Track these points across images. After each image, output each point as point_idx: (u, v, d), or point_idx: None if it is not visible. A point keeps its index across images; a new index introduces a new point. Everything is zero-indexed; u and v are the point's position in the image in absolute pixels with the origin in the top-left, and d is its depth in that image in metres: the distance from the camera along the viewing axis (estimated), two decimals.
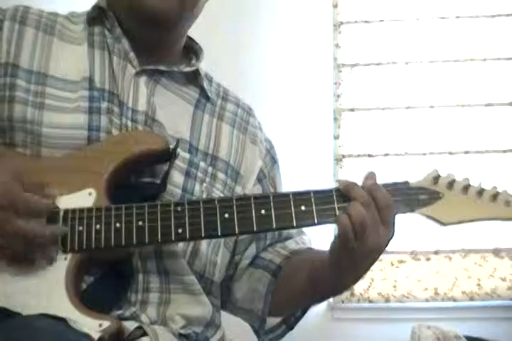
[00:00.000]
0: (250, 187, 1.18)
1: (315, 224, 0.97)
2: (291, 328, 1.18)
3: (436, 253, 3.10)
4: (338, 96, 3.29)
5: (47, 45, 1.08)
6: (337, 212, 0.96)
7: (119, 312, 0.96)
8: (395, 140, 3.20)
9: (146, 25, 1.09)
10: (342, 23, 3.35)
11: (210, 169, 1.10)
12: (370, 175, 0.99)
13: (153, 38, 1.12)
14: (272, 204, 0.96)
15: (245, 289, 1.16)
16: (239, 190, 1.15)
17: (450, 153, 3.15)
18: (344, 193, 0.97)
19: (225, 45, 3.13)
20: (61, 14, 1.15)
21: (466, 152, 3.14)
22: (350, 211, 0.94)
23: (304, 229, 1.22)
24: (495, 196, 0.98)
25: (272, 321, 1.17)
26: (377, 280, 3.09)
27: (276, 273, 1.14)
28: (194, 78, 1.16)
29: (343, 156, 3.22)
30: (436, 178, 1.00)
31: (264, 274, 1.15)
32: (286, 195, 0.98)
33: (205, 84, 1.17)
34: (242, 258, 1.17)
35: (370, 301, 3.08)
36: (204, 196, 1.07)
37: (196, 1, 1.11)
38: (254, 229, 0.96)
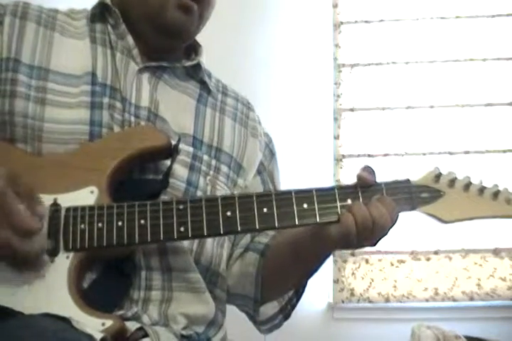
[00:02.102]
0: (250, 179, 1.19)
1: (317, 223, 0.97)
2: (288, 317, 1.18)
3: (436, 253, 3.10)
4: (338, 96, 3.29)
5: (48, 40, 1.07)
6: (339, 211, 0.96)
7: (121, 312, 0.95)
8: (394, 140, 3.21)
9: (164, 35, 1.11)
10: (342, 23, 3.36)
11: (213, 162, 1.11)
12: (366, 170, 0.99)
13: (167, 44, 1.14)
14: (274, 202, 0.96)
15: (237, 274, 1.16)
16: (241, 183, 1.15)
17: (450, 153, 3.15)
18: (349, 190, 0.98)
19: (226, 46, 3.13)
20: (61, 10, 1.15)
21: (466, 152, 3.15)
22: (356, 213, 0.94)
23: None
24: (496, 194, 0.99)
25: (269, 311, 1.17)
26: (377, 280, 3.09)
27: (264, 252, 1.14)
28: (195, 72, 1.17)
29: (343, 156, 3.22)
30: (438, 176, 1.00)
31: (253, 255, 1.15)
32: (288, 193, 0.97)
33: (206, 78, 1.18)
34: (236, 246, 1.18)
35: (370, 301, 3.08)
36: (208, 189, 1.07)
37: (210, 13, 1.14)
38: (257, 227, 0.96)
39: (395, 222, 0.97)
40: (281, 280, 1.15)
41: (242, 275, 1.15)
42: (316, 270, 1.11)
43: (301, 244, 1.06)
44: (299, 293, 1.17)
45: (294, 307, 1.18)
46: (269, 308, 1.16)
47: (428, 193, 0.99)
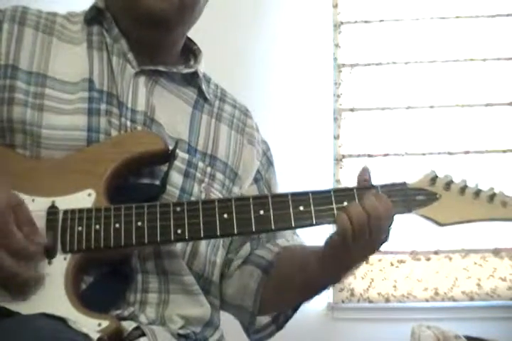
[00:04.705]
0: (247, 187, 1.18)
1: (313, 225, 0.97)
2: (281, 328, 1.18)
3: (436, 253, 3.10)
4: (338, 96, 3.29)
5: (46, 46, 1.08)
6: (335, 213, 0.97)
7: (118, 312, 0.96)
8: (394, 140, 3.21)
9: (144, 26, 1.09)
10: (342, 23, 3.36)
11: (208, 169, 1.11)
12: (364, 171, 0.99)
13: (152, 38, 1.11)
14: (270, 204, 0.97)
15: (236, 285, 1.16)
16: (236, 191, 1.15)
17: (450, 153, 3.15)
18: (345, 193, 0.98)
19: (226, 46, 3.13)
20: (60, 14, 1.15)
21: (466, 152, 3.15)
22: (351, 211, 0.94)
23: (300, 230, 1.22)
24: (492, 197, 0.99)
25: (262, 320, 1.17)
26: (377, 280, 3.09)
27: (267, 269, 1.14)
28: (192, 79, 1.16)
29: (343, 156, 3.22)
30: (434, 179, 1.00)
31: (256, 270, 1.15)
32: (284, 196, 0.98)
33: (203, 86, 1.17)
34: (235, 257, 1.17)
35: (370, 301, 3.08)
36: (202, 196, 1.07)
37: (196, 4, 1.11)
38: (253, 230, 0.96)
39: (391, 220, 0.97)
40: (282, 298, 1.15)
41: (242, 288, 1.15)
42: (317, 294, 1.12)
43: (309, 267, 1.05)
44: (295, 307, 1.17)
45: (288, 318, 1.17)
46: (262, 318, 1.16)
47: (424, 196, 0.99)
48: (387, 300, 3.08)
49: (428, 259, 3.11)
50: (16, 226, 0.89)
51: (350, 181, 3.19)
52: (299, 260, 1.09)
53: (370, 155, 3.20)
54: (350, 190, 0.99)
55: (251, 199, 0.97)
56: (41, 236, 0.93)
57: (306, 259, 1.07)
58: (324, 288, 1.11)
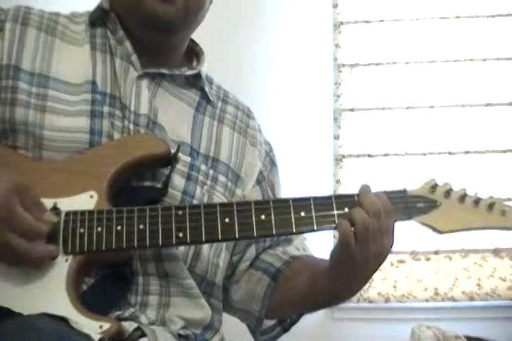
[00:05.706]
0: (249, 189, 1.18)
1: (314, 231, 0.98)
2: (287, 330, 1.18)
3: (436, 253, 3.10)
4: (338, 96, 3.29)
5: (49, 47, 1.08)
6: (336, 219, 0.97)
7: (118, 312, 0.96)
8: (394, 140, 3.20)
9: (149, 29, 1.09)
10: (342, 23, 3.36)
11: (211, 172, 1.11)
12: (365, 188, 0.99)
13: (156, 41, 1.12)
14: (272, 209, 0.97)
15: (243, 291, 1.17)
16: (239, 193, 1.15)
17: (450, 153, 3.15)
18: (346, 199, 0.98)
19: (225, 46, 3.13)
20: (63, 14, 1.15)
21: (466, 152, 3.14)
22: (354, 216, 0.94)
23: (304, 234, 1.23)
24: (491, 205, 1.00)
25: (267, 322, 1.17)
26: (377, 280, 3.09)
27: (275, 277, 1.14)
28: (195, 80, 1.16)
29: (343, 156, 3.22)
30: (434, 187, 1.01)
31: (263, 277, 1.15)
32: (286, 201, 0.98)
33: (206, 87, 1.17)
34: (241, 260, 1.17)
35: (370, 301, 3.08)
36: (205, 199, 1.07)
37: (201, 7, 1.11)
38: (254, 235, 0.97)
39: (392, 216, 0.96)
40: (289, 308, 1.15)
41: (249, 294, 1.16)
42: (327, 305, 1.13)
43: (318, 284, 1.05)
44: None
45: (294, 321, 1.18)
46: (267, 320, 1.17)
47: (424, 203, 1.00)
48: (387, 300, 3.08)
49: (428, 259, 3.11)
50: (23, 208, 0.90)
51: (350, 181, 3.21)
52: (309, 273, 1.09)
53: (370, 155, 3.20)
54: (352, 196, 0.99)
55: (252, 204, 0.97)
56: (50, 215, 0.94)
57: (316, 273, 1.06)
58: (332, 303, 1.11)
